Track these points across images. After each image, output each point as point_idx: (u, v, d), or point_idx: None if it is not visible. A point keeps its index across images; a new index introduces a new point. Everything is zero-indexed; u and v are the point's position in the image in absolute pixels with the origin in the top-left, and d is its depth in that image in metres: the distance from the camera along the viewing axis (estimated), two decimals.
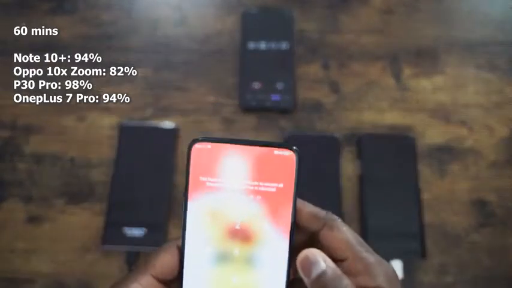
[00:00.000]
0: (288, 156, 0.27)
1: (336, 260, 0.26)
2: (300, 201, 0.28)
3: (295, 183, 0.27)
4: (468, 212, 0.55)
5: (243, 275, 0.27)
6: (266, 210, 0.27)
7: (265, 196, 0.27)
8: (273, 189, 0.27)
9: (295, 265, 0.26)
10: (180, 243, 0.27)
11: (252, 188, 0.27)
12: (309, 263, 0.25)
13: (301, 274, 0.25)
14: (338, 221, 0.27)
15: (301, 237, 0.28)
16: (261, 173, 0.27)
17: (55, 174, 0.57)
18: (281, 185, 0.27)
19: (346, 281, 0.24)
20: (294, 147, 0.27)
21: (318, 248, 0.26)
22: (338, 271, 0.25)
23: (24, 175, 0.57)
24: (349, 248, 0.26)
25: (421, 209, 0.54)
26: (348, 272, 0.25)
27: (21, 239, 0.54)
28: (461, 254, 0.53)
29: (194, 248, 0.27)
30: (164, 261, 0.27)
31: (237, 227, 0.27)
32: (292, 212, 0.27)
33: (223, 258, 0.27)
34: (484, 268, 0.53)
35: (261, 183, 0.27)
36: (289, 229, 0.27)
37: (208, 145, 0.27)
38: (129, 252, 0.53)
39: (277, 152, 0.27)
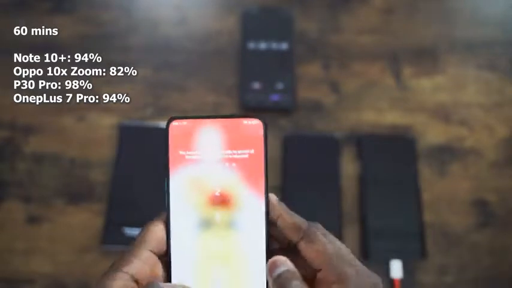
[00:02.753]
0: (256, 125, 0.29)
1: (313, 270, 0.28)
2: (283, 210, 0.29)
3: (264, 148, 0.29)
4: (468, 212, 0.55)
5: (225, 239, 0.29)
6: (242, 175, 0.29)
7: (240, 163, 0.29)
8: (246, 156, 0.29)
9: (275, 232, 0.29)
10: (164, 218, 0.29)
11: (227, 156, 0.29)
12: (274, 266, 0.27)
13: (268, 275, 0.28)
14: (317, 233, 0.28)
15: (282, 245, 0.30)
16: (233, 142, 0.29)
17: (55, 174, 0.57)
18: (252, 151, 0.29)
19: (296, 282, 0.26)
20: (259, 116, 0.30)
21: (297, 257, 0.28)
22: (293, 274, 0.27)
23: (24, 175, 0.57)
24: (323, 259, 0.27)
25: (421, 209, 0.54)
26: (321, 282, 0.27)
27: (21, 239, 0.54)
28: (462, 254, 0.53)
29: (179, 218, 0.29)
30: (157, 235, 0.28)
31: (217, 194, 0.29)
32: (265, 175, 0.29)
33: (206, 224, 0.29)
34: (484, 268, 0.53)
35: (234, 152, 0.29)
36: (263, 192, 0.29)
37: (184, 122, 0.29)
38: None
39: (246, 121, 0.29)
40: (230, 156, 0.29)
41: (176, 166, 0.29)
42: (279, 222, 0.29)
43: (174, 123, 0.29)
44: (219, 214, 0.29)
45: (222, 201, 0.29)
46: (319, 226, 0.29)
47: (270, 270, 0.27)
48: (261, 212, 0.29)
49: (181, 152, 0.29)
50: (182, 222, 0.29)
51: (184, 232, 0.29)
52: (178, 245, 0.29)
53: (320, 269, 0.27)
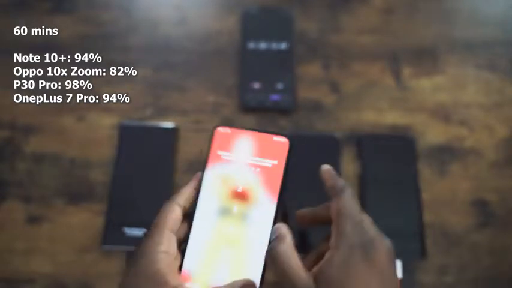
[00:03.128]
0: (283, 142, 0.36)
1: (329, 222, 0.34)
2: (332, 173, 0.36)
3: (286, 162, 0.35)
4: (468, 212, 0.55)
5: (237, 227, 0.35)
6: (262, 179, 0.35)
7: (263, 169, 0.36)
8: (269, 165, 0.36)
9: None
10: (179, 200, 0.35)
11: (253, 162, 0.36)
12: (277, 230, 0.34)
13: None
14: (345, 194, 0.34)
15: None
16: (261, 152, 0.36)
17: (55, 174, 0.57)
18: (276, 162, 0.36)
19: (283, 245, 0.32)
20: (289, 136, 0.36)
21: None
22: (283, 236, 0.33)
23: (24, 175, 0.57)
24: (336, 216, 0.33)
25: (421, 209, 0.54)
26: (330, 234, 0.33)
27: (21, 239, 0.54)
28: (462, 254, 0.53)
29: (205, 202, 0.35)
30: (174, 217, 0.34)
31: (239, 190, 0.35)
32: (281, 183, 0.35)
33: (224, 212, 0.35)
34: (484, 268, 0.53)
35: (260, 160, 0.36)
36: (277, 196, 0.35)
37: (228, 129, 0.37)
38: (129, 252, 0.53)
39: (276, 138, 0.36)
40: (256, 163, 0.36)
41: (213, 162, 0.36)
42: (325, 177, 0.36)
43: (220, 129, 0.37)
44: (236, 206, 0.35)
45: (241, 196, 0.35)
46: (350, 189, 0.34)
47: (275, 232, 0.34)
48: (272, 212, 0.34)
49: (219, 152, 0.36)
50: (206, 206, 0.35)
51: (206, 215, 0.35)
52: (198, 225, 0.35)
53: (332, 223, 0.33)
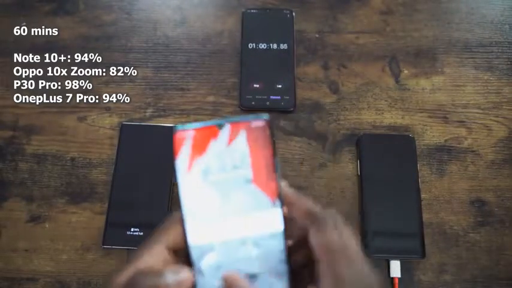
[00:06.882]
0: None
1: (315, 260, 0.27)
2: (296, 195, 0.29)
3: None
4: (467, 211, 0.56)
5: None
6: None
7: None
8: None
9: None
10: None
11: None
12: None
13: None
14: (328, 222, 0.27)
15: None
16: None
17: (56, 174, 0.57)
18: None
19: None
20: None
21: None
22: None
23: (26, 175, 0.57)
24: (325, 254, 0.26)
25: (420, 209, 0.55)
26: (319, 274, 0.26)
27: (23, 239, 0.54)
28: (460, 254, 0.54)
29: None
30: (175, 231, 0.29)
31: None
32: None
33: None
34: (483, 267, 0.53)
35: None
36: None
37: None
38: (130, 251, 0.53)
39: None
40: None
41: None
42: (292, 208, 0.29)
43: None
44: None
45: None
46: (333, 214, 0.28)
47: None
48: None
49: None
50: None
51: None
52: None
53: (319, 262, 0.26)
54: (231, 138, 0.29)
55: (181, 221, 0.29)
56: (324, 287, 0.26)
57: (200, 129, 0.29)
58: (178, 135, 0.29)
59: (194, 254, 0.29)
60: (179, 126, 0.29)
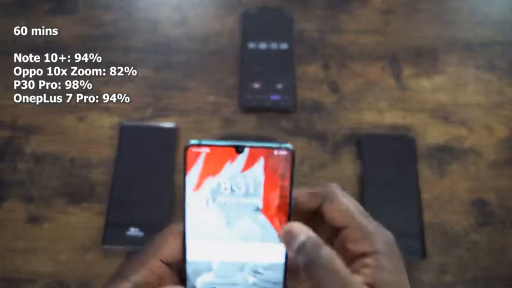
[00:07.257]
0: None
1: (338, 229, 0.28)
2: (296, 190, 0.29)
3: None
4: (468, 211, 0.55)
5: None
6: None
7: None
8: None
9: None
10: (181, 227, 0.28)
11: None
12: (290, 237, 0.26)
13: (286, 247, 0.27)
14: (336, 192, 0.28)
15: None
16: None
17: (55, 174, 0.57)
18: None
19: (325, 250, 0.25)
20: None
21: (322, 220, 0.28)
22: (318, 241, 0.26)
23: (25, 175, 0.57)
24: (348, 217, 0.27)
25: (420, 209, 0.54)
26: (348, 239, 0.27)
27: (22, 239, 0.54)
28: (461, 254, 0.54)
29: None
30: (173, 245, 0.28)
31: None
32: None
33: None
34: (484, 268, 0.53)
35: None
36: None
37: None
38: (130, 252, 0.53)
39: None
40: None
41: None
42: (298, 200, 0.28)
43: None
44: None
45: None
46: (335, 185, 0.29)
47: (288, 241, 0.26)
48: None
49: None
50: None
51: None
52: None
53: (345, 227, 0.27)
54: (248, 165, 0.27)
55: (181, 235, 0.28)
56: (360, 246, 0.26)
57: (216, 148, 0.27)
58: (191, 150, 0.27)
59: (190, 270, 0.28)
60: (194, 142, 0.27)
